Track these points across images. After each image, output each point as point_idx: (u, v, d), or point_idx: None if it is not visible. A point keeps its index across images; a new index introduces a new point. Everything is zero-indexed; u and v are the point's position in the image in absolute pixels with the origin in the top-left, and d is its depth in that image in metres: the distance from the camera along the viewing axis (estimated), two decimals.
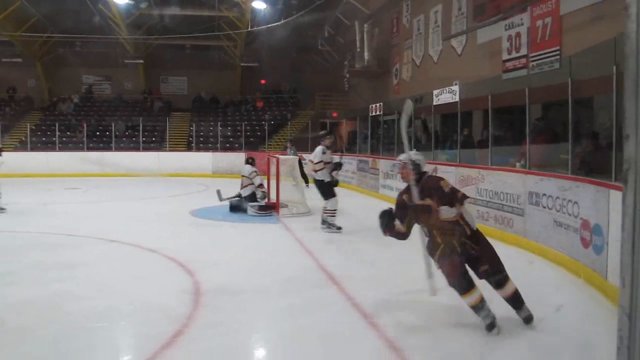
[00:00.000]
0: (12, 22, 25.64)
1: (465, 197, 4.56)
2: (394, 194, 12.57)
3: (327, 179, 9.40)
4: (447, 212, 4.36)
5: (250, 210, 11.25)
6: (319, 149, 9.52)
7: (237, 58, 29.57)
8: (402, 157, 4.77)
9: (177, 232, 9.63)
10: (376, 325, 4.64)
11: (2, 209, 11.25)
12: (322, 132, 10.63)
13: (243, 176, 12.00)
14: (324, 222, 9.34)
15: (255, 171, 11.91)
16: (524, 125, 8.82)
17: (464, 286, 4.41)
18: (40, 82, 29.69)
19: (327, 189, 9.36)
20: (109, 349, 4.34)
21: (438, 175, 8.81)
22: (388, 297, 5.57)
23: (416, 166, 4.66)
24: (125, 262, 7.35)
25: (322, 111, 26.83)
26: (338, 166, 9.74)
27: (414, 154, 4.78)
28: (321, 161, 9.38)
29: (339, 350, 4.20)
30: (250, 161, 12.30)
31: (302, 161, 16.52)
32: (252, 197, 11.67)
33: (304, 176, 16.60)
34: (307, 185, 15.90)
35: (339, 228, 9.21)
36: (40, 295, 5.54)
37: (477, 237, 4.52)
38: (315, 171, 9.49)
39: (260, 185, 11.80)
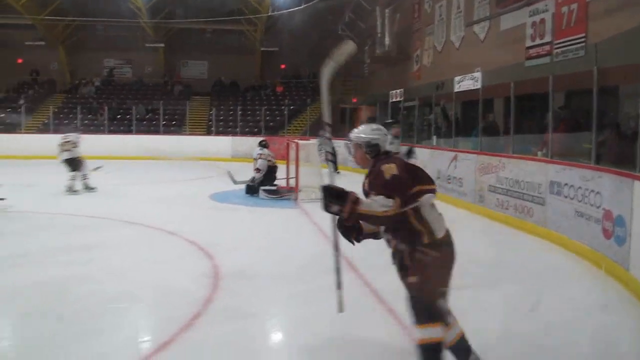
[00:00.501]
0: (35, 6, 25.88)
1: (424, 192, 3.26)
2: None
3: None
4: (375, 205, 3.09)
5: (262, 194, 11.34)
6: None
7: (257, 42, 29.53)
8: (354, 134, 3.58)
9: (197, 216, 9.69)
10: (393, 312, 4.63)
11: (92, 188, 12.01)
12: (390, 121, 9.94)
13: (254, 159, 12.09)
14: None
15: (260, 154, 11.95)
16: (547, 114, 8.72)
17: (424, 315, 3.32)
18: (62, 65, 29.96)
19: None
20: (128, 330, 4.39)
21: (456, 162, 8.72)
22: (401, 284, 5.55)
23: (373, 147, 3.47)
24: (145, 244, 7.43)
25: (341, 97, 26.73)
26: (411, 154, 9.06)
27: (369, 130, 3.55)
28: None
29: (356, 336, 4.20)
30: (263, 143, 12.34)
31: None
32: (263, 180, 11.73)
33: (335, 164, 16.57)
34: (339, 173, 15.87)
35: None
36: (59, 277, 5.62)
37: (439, 248, 3.28)
38: None
39: (257, 170, 11.82)
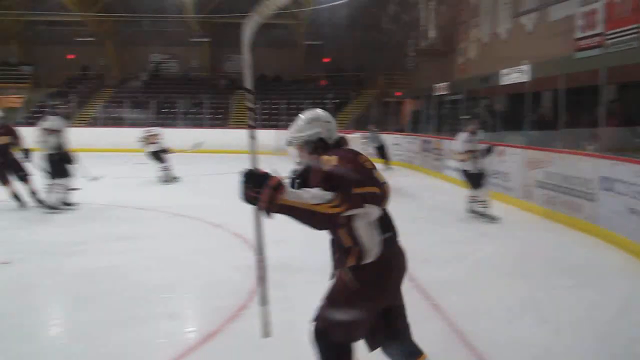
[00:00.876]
0: (85, 3, 26.61)
1: (372, 196, 2.57)
2: (458, 175, 12.37)
3: (472, 169, 8.47)
4: (307, 196, 2.44)
5: (298, 186, 11.40)
6: (463, 136, 8.53)
7: (301, 36, 29.59)
8: (290, 137, 3.02)
9: (242, 208, 9.73)
10: (439, 308, 4.60)
11: (176, 177, 12.91)
12: (466, 117, 9.27)
13: None
14: (473, 211, 8.55)
15: None
16: (597, 107, 8.48)
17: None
18: (110, 61, 30.68)
19: (474, 179, 8.49)
20: (174, 319, 4.47)
21: (503, 157, 8.52)
22: (452, 279, 5.50)
23: (316, 143, 2.87)
24: (192, 236, 7.55)
25: (385, 90, 26.58)
26: (489, 152, 8.62)
27: (304, 125, 2.94)
28: (467, 150, 8.45)
29: None
30: None
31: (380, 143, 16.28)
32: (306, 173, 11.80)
33: (387, 158, 16.27)
34: (391, 168, 15.71)
35: (495, 218, 8.34)
36: (106, 266, 5.79)
37: (363, 275, 2.64)
38: (461, 161, 8.56)
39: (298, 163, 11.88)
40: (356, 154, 2.75)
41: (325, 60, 30.25)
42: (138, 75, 30.06)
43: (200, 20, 28.53)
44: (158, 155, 12.79)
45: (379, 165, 15.30)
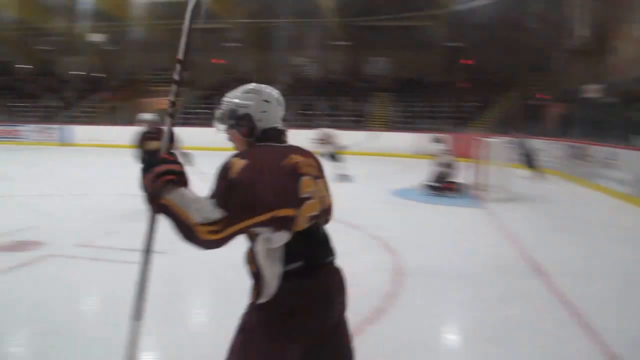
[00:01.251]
0: (231, 11, 28.32)
1: (280, 220, 1.98)
2: (611, 185, 11.54)
3: None
4: (194, 207, 1.90)
5: (425, 189, 11.49)
6: None
7: (440, 38, 29.14)
8: (225, 100, 2.31)
9: (379, 211, 9.81)
10: (588, 327, 4.30)
11: (346, 175, 13.51)
12: None
13: (436, 155, 12.05)
14: None
15: (444, 149, 11.93)
16: None
17: None
18: (255, 64, 32.22)
19: None
20: None
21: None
22: (605, 296, 5.13)
23: (241, 120, 2.21)
24: (332, 235, 7.68)
25: (529, 93, 25.41)
26: None
27: (240, 92, 2.29)
28: None
29: (542, 349, 3.96)
30: (437, 140, 12.31)
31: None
32: (440, 177, 11.60)
33: (534, 166, 15.35)
34: (543, 177, 14.89)
35: None
36: (235, 263, 6.02)
37: (260, 316, 2.06)
38: None
39: (446, 165, 11.64)
40: (282, 156, 2.12)
41: (466, 62, 29.51)
42: (281, 79, 31.27)
43: (340, 24, 29.09)
44: (334, 156, 13.66)
45: (524, 172, 14.65)
